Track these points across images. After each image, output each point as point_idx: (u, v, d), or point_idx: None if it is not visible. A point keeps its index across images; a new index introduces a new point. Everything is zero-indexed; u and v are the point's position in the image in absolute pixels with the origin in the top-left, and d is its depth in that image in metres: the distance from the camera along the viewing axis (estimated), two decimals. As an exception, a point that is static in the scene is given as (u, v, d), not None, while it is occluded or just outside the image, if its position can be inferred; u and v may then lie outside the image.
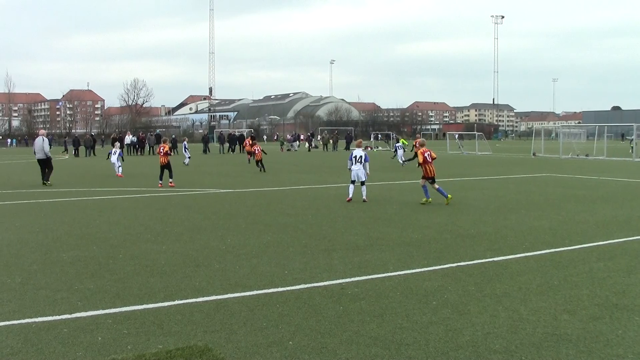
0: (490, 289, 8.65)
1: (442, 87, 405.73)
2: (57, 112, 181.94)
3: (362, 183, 19.00)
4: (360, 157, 19.15)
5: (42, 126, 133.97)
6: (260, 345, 6.44)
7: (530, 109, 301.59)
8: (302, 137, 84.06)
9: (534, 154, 53.49)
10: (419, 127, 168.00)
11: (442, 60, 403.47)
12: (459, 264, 10.28)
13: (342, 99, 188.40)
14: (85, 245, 12.18)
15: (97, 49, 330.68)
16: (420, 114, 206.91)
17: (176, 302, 8.05)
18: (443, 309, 7.69)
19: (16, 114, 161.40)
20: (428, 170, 18.44)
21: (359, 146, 20.47)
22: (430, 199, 18.44)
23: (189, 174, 32.48)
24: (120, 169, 32.42)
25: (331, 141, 71.94)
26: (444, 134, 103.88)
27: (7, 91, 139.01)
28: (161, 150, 25.61)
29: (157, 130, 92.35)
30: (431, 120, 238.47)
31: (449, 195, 18.25)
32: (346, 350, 6.31)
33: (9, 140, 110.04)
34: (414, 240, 12.53)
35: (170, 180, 25.14)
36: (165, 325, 7.11)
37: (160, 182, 25.21)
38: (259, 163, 34.16)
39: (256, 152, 35.02)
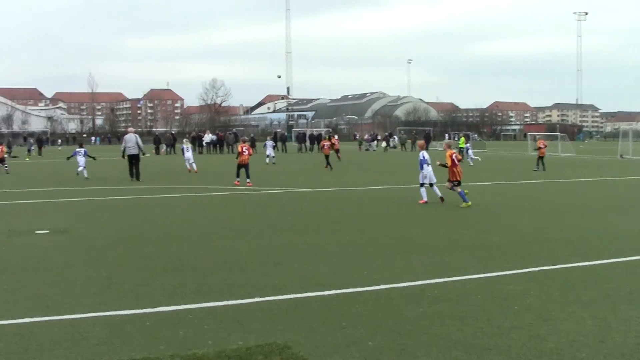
0: (575, 295, 8.40)
1: (522, 87, 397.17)
2: (138, 111, 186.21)
3: (431, 185, 18.62)
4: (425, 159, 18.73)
5: (125, 124, 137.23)
6: (340, 345, 6.42)
7: (617, 109, 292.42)
8: (379, 137, 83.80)
9: (621, 156, 51.79)
10: (498, 127, 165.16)
11: (522, 59, 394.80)
12: (541, 268, 10.02)
13: (420, 99, 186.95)
14: (166, 241, 12.41)
15: (176, 48, 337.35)
16: (500, 114, 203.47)
17: (256, 299, 8.11)
18: (525, 314, 7.51)
19: (99, 113, 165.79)
20: (457, 173, 17.99)
21: (422, 148, 20.10)
22: (470, 203, 17.75)
23: (267, 173, 32.74)
24: (195, 165, 33.53)
25: (409, 141, 71.49)
26: (525, 135, 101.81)
27: (90, 91, 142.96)
28: (244, 150, 25.41)
29: (235, 129, 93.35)
30: (511, 121, 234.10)
31: (469, 203, 17.64)
32: (426, 352, 6.23)
33: (92, 138, 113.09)
34: (495, 243, 12.31)
35: (248, 180, 24.90)
36: (245, 322, 7.16)
37: (237, 179, 25.17)
38: (328, 158, 34.80)
39: (325, 147, 35.92)
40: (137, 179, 27.39)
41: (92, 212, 17.17)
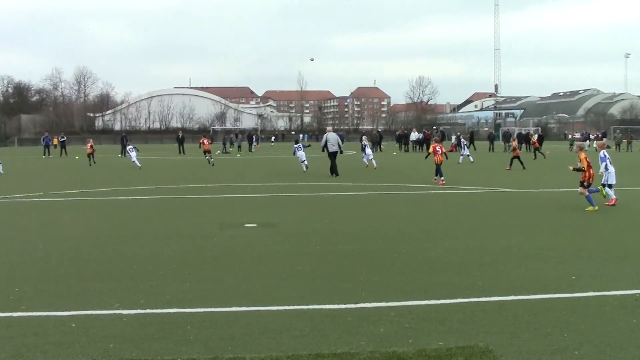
0: None
1: None
2: (345, 109, 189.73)
3: (610, 186, 17.58)
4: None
5: (332, 122, 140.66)
6: (544, 352, 6.15)
7: None
8: (592, 136, 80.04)
9: None
10: None
11: None
12: None
13: (639, 96, 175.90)
14: (368, 239, 12.53)
15: (382, 46, 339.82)
16: None
17: (458, 300, 7.97)
18: None
19: (307, 111, 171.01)
20: (591, 176, 16.84)
21: (601, 148, 19.21)
22: (596, 207, 16.48)
23: (466, 172, 32.22)
24: (374, 161, 34.96)
25: (625, 141, 67.52)
26: None
27: (299, 89, 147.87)
28: (437, 149, 25.77)
29: (442, 128, 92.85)
30: None
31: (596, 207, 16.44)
32: (640, 366, 5.83)
33: (301, 135, 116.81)
34: None
35: (442, 179, 24.92)
36: (447, 322, 7.06)
37: (435, 178, 25.34)
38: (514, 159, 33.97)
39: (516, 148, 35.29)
40: (335, 174, 28.66)
41: (299, 207, 17.74)
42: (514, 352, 6.13)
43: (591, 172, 16.94)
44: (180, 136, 63.25)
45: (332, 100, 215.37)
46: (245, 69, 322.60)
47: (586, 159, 17.12)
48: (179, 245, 11.89)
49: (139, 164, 37.60)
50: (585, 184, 16.85)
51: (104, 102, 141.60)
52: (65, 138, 61.14)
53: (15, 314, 7.55)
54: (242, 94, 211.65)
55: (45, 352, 6.24)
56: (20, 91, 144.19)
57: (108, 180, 28.60)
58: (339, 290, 8.48)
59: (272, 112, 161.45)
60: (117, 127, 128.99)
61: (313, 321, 7.11)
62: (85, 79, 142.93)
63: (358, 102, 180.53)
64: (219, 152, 60.44)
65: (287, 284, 8.83)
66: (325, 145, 29.57)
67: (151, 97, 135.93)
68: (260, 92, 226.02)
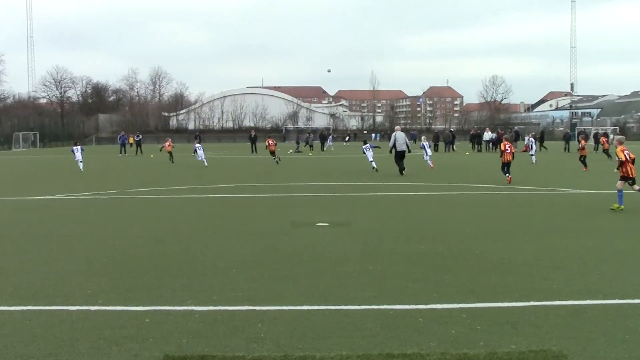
0: None
1: None
2: (418, 108, 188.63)
3: None
4: None
5: (405, 122, 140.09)
6: (620, 359, 6.00)
7: None
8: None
9: None
10: None
11: None
12: None
13: None
14: (439, 239, 12.43)
15: (455, 45, 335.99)
16: None
17: (531, 302, 7.83)
18: None
19: (380, 110, 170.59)
20: (629, 171, 16.54)
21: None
22: (622, 206, 16.09)
23: (538, 172, 31.63)
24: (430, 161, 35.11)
25: None
26: None
27: (371, 89, 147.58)
28: (506, 148, 25.98)
29: (516, 127, 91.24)
30: None
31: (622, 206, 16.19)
32: None
33: (373, 134, 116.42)
34: None
35: (509, 175, 25.21)
36: (519, 325, 6.95)
37: (509, 175, 25.37)
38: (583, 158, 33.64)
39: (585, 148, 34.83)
40: (402, 173, 29.24)
41: (369, 207, 17.72)
42: (589, 358, 6.00)
43: (628, 167, 16.66)
44: (252, 135, 63.90)
45: (404, 100, 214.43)
46: (317, 69, 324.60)
47: (623, 153, 16.85)
48: (251, 243, 12.03)
49: (205, 163, 38.34)
50: (630, 181, 16.63)
51: (178, 102, 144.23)
52: (140, 137, 62.51)
53: (92, 308, 7.76)
54: (315, 94, 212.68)
55: (121, 346, 6.39)
56: (98, 91, 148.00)
57: (183, 178, 29.13)
58: (410, 290, 8.44)
59: (344, 111, 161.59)
60: (191, 126, 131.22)
61: (384, 321, 7.10)
62: (160, 79, 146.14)
63: (430, 102, 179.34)
64: (291, 151, 60.86)
65: (358, 284, 8.83)
66: (394, 145, 29.83)
67: (224, 96, 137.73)
68: (332, 92, 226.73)
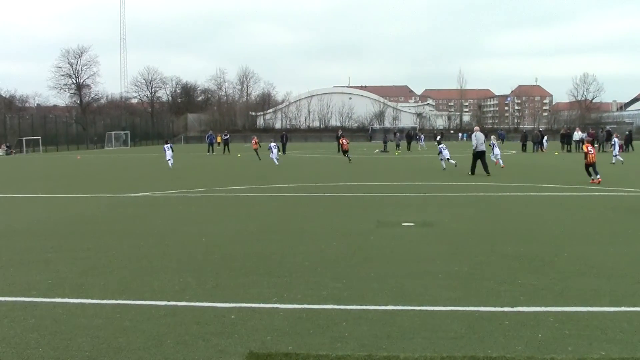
0: None
1: None
2: (505, 108, 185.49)
3: None
4: None
5: (492, 121, 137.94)
6: None
7: None
8: None
9: None
10: None
11: None
12: None
13: None
14: (526, 240, 12.20)
15: (545, 42, 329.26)
16: None
17: (622, 308, 7.60)
18: None
19: (467, 110, 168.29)
20: None
21: None
22: None
23: (629, 173, 30.66)
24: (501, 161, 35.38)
25: None
26: None
27: (459, 88, 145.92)
28: (589, 149, 25.68)
29: (608, 127, 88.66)
30: None
31: None
32: None
33: (459, 134, 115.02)
34: None
35: (597, 177, 24.76)
36: (610, 331, 6.75)
37: (592, 178, 24.96)
38: None
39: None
40: (487, 172, 29.35)
41: (456, 207, 17.51)
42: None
43: None
44: (339, 134, 64.07)
45: (492, 99, 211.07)
46: (404, 68, 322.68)
47: None
48: (336, 242, 12.07)
49: (276, 162, 39.50)
50: None
51: (265, 101, 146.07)
52: (228, 136, 63.43)
53: (179, 303, 7.93)
54: (401, 93, 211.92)
55: (207, 341, 6.51)
56: (187, 91, 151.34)
57: (269, 177, 29.45)
58: (497, 292, 8.31)
59: (430, 110, 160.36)
60: (278, 125, 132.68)
61: (469, 323, 7.01)
62: (248, 79, 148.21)
63: (519, 101, 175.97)
64: (377, 150, 60.75)
65: (444, 284, 8.76)
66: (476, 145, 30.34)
67: (311, 96, 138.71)
68: (419, 91, 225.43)
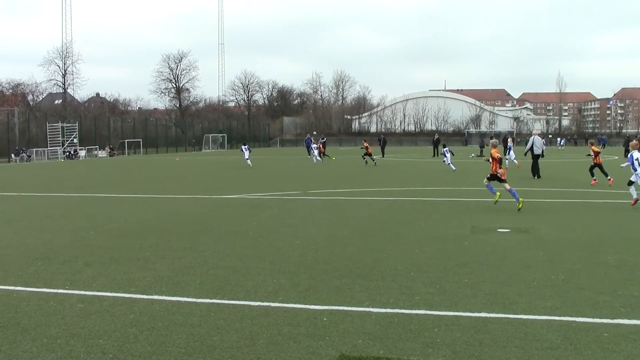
0: None
1: None
2: (607, 111, 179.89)
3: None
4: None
5: (593, 125, 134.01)
6: None
7: None
8: None
9: None
10: None
11: None
12: None
13: None
14: (627, 249, 11.76)
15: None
16: None
17: None
18: None
19: (566, 114, 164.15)
20: None
21: (634, 148, 19.01)
22: None
23: None
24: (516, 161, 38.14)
25: None
26: None
27: (558, 91, 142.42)
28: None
29: None
30: None
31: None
32: None
33: (558, 139, 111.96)
34: None
35: (609, 178, 25.30)
36: None
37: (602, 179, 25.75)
38: None
39: None
40: (537, 177, 30.25)
41: (552, 213, 17.07)
42: None
43: None
44: (435, 139, 63.61)
45: (592, 103, 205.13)
46: (501, 71, 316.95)
47: None
48: (430, 247, 11.97)
49: (318, 158, 45.34)
50: None
51: (361, 105, 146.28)
52: (325, 139, 63.93)
53: (272, 304, 8.03)
54: (498, 97, 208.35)
55: (298, 343, 6.56)
56: (283, 95, 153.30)
57: (362, 180, 29.47)
58: (595, 303, 8.06)
59: (528, 114, 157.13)
60: (373, 129, 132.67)
61: (565, 333, 6.82)
62: (343, 83, 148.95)
63: (622, 104, 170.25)
64: (472, 155, 59.91)
65: (539, 293, 8.55)
66: (531, 148, 31.53)
67: (406, 99, 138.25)
68: (516, 95, 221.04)
